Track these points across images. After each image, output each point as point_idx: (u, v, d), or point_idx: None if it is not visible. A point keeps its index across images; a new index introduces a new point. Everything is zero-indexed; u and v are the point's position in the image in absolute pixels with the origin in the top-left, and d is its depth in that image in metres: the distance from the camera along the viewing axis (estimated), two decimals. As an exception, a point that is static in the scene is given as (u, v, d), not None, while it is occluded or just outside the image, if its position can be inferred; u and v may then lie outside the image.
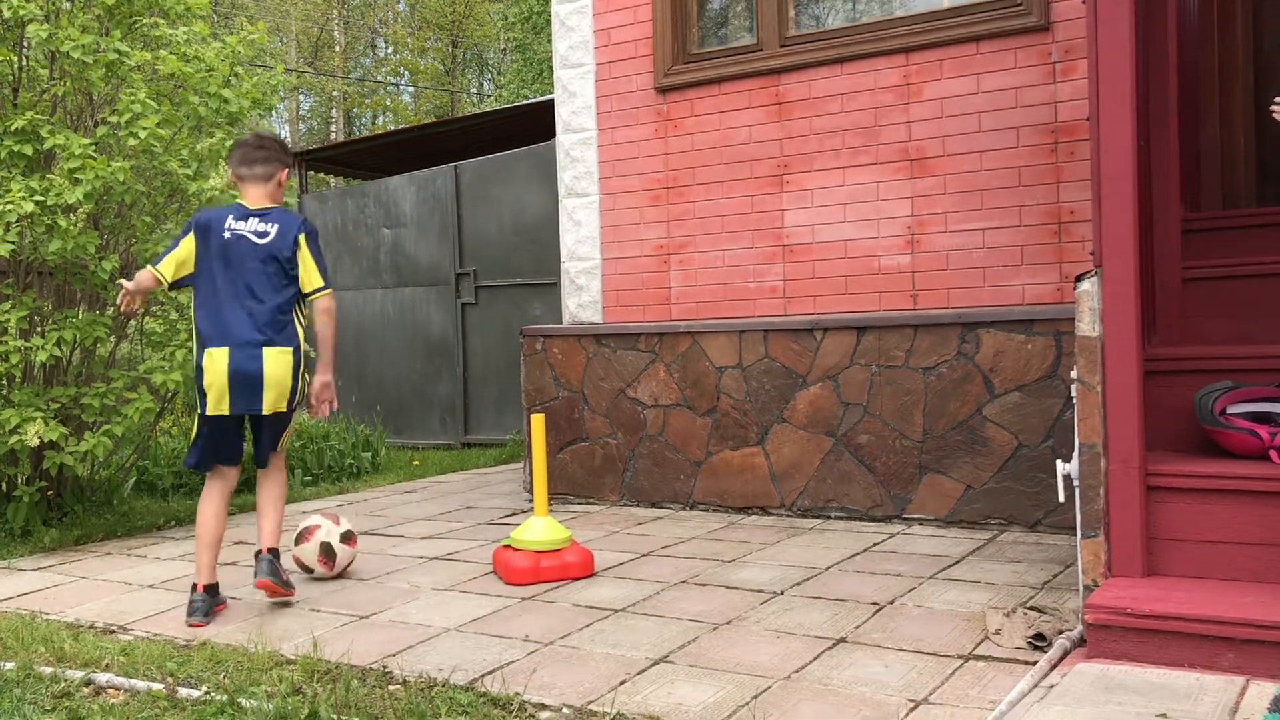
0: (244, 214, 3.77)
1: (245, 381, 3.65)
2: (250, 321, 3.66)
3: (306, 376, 3.82)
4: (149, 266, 3.79)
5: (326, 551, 4.17)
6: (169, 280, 3.75)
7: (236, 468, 3.88)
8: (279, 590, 3.75)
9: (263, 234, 3.73)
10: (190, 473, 6.66)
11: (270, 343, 3.67)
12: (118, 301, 3.85)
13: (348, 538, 4.23)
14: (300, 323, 3.80)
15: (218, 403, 3.67)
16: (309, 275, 3.78)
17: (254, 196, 3.82)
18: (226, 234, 3.72)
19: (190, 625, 3.57)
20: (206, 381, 3.66)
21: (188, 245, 3.76)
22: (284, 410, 3.76)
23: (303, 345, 3.78)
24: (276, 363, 3.68)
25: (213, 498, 3.80)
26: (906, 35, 4.97)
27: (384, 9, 35.58)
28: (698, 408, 5.39)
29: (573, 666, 3.02)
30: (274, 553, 3.78)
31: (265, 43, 5.91)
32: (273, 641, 3.36)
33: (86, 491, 5.59)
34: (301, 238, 3.76)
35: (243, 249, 3.71)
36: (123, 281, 3.85)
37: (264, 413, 3.71)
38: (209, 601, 3.67)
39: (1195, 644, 2.66)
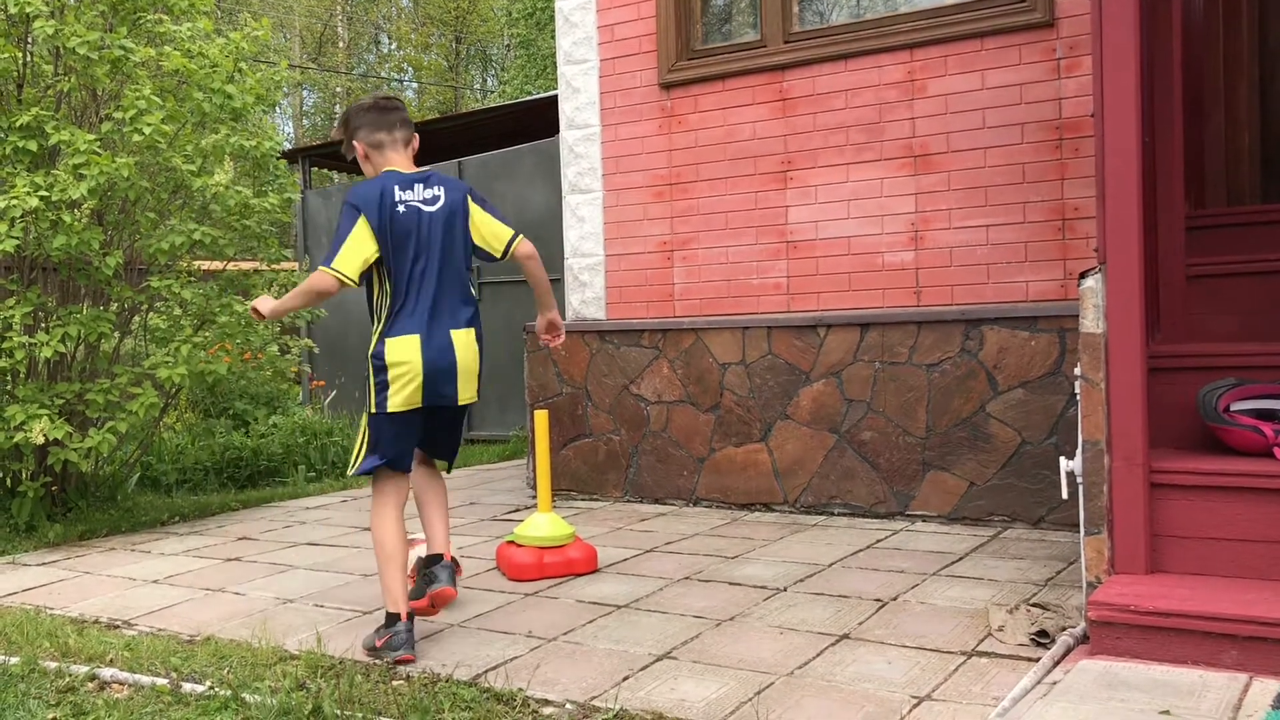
0: (405, 181, 3.29)
1: (440, 370, 3.24)
2: (437, 302, 3.25)
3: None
4: (321, 268, 3.21)
5: None
6: (356, 280, 3.22)
7: (408, 475, 3.39)
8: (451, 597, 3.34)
9: (433, 200, 3.29)
10: (194, 468, 6.67)
11: (457, 324, 3.28)
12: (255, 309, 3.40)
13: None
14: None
15: (410, 397, 3.22)
16: (495, 232, 3.38)
17: (401, 161, 3.36)
18: (400, 207, 3.23)
19: (400, 660, 3.08)
20: (395, 373, 3.20)
21: (363, 233, 3.20)
22: (475, 400, 3.40)
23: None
24: (466, 347, 3.30)
25: (393, 514, 3.29)
26: (910, 31, 4.96)
27: (388, 5, 35.58)
28: (701, 404, 5.39)
29: (576, 662, 3.02)
30: (454, 560, 3.41)
31: (269, 39, 5.91)
32: (276, 637, 3.37)
33: (90, 487, 5.61)
34: (470, 201, 3.37)
35: (419, 221, 3.25)
36: (259, 306, 3.39)
37: (458, 403, 3.33)
38: (412, 631, 3.18)
39: (1198, 641, 2.66)
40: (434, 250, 3.26)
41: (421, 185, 3.30)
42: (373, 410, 3.24)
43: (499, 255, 3.41)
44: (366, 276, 3.28)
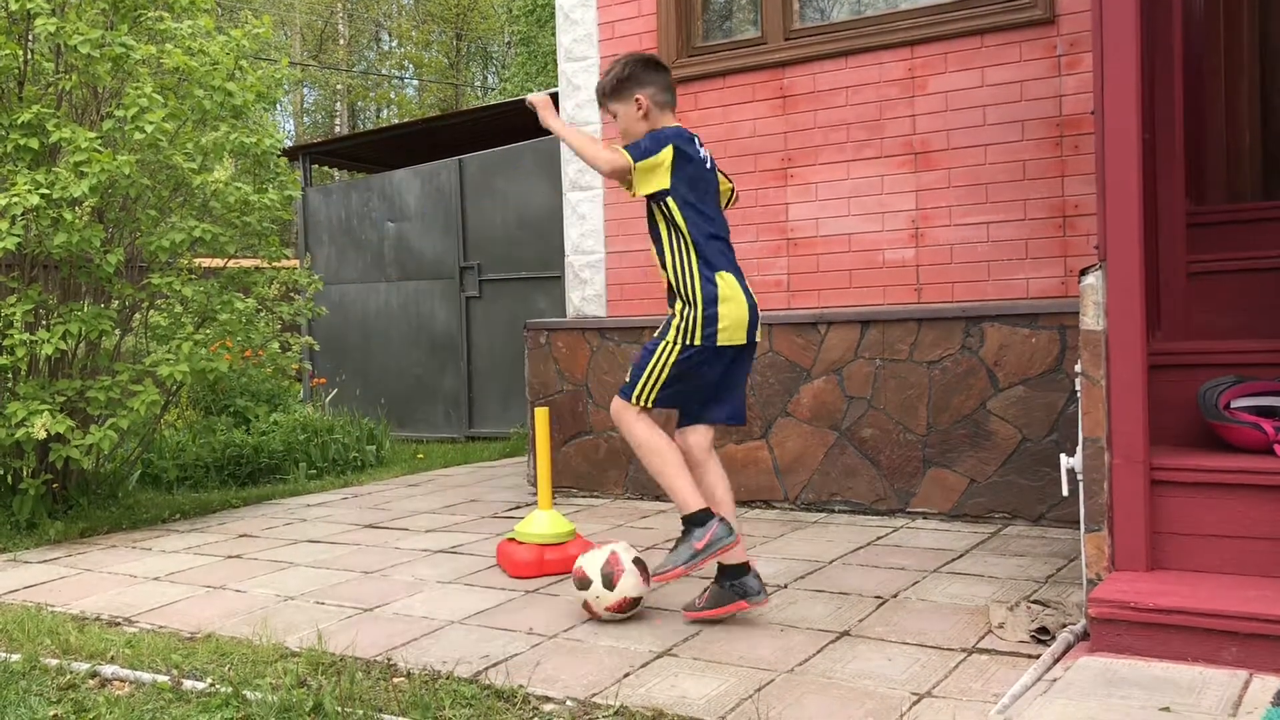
0: (691, 138, 3.39)
1: (753, 311, 3.34)
2: (730, 249, 3.38)
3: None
4: (626, 152, 3.27)
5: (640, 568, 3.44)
6: (639, 192, 3.30)
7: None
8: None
9: (708, 159, 3.43)
10: (195, 465, 6.68)
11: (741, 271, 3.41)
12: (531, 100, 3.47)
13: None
14: None
15: (734, 333, 3.28)
16: (725, 185, 3.60)
17: (674, 123, 3.44)
18: (700, 157, 3.37)
19: (730, 548, 3.18)
20: (725, 309, 3.25)
21: (667, 165, 3.25)
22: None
23: None
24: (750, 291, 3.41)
25: (652, 422, 3.40)
26: (911, 28, 4.96)
27: (388, 2, 35.56)
28: (702, 401, 5.38)
29: (576, 659, 3.03)
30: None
31: (270, 36, 5.91)
32: (277, 634, 3.38)
33: (91, 484, 5.61)
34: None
35: (711, 173, 3.41)
36: (536, 101, 3.41)
37: (756, 339, 3.40)
38: (727, 521, 3.31)
39: (1199, 638, 2.66)
40: (717, 202, 3.43)
41: (699, 144, 3.41)
42: (695, 342, 3.26)
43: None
44: (651, 216, 3.36)
